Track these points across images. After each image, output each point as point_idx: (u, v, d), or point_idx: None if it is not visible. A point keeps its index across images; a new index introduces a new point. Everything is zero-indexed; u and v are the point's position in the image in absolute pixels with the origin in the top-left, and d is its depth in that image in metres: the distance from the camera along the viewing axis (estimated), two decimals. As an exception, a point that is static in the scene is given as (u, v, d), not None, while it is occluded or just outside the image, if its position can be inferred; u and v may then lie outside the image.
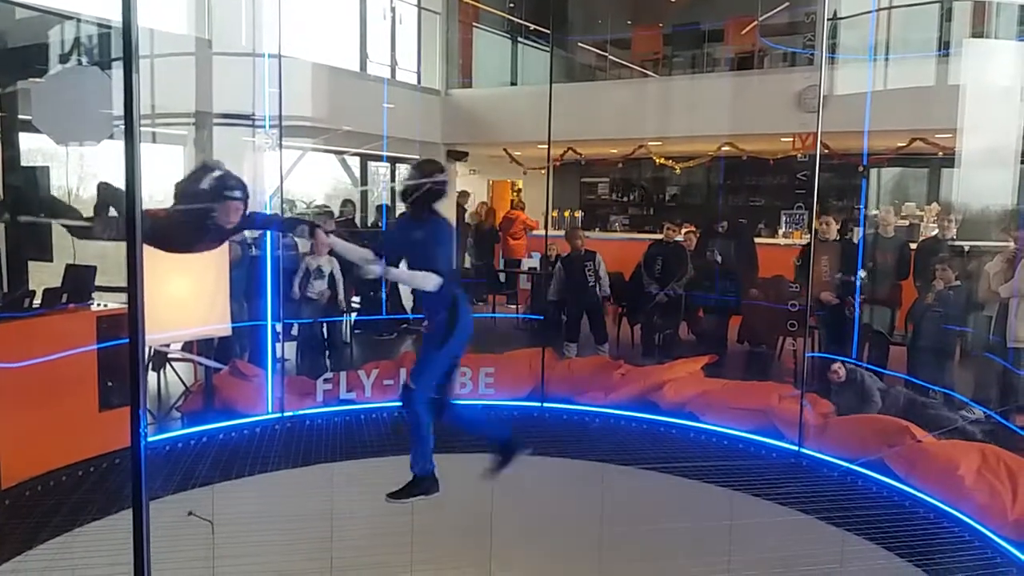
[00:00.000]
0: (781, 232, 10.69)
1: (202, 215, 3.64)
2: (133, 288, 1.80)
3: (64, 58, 5.32)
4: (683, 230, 8.39)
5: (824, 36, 7.47)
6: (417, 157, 11.42)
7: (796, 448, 5.42)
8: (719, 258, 7.65)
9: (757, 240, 9.22)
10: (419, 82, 11.59)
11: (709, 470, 5.09)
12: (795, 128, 8.46)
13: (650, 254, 8.01)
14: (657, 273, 7.86)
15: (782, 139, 9.73)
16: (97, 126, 4.79)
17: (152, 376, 6.42)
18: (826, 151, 6.72)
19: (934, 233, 7.32)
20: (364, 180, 11.58)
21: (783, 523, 4.57)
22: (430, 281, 3.78)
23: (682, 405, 6.16)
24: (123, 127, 1.85)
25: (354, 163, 11.39)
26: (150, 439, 5.31)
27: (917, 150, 9.21)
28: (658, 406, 6.22)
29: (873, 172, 11.35)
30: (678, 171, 11.57)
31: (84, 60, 5.29)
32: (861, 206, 9.50)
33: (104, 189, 3.83)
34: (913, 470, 4.88)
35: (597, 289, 7.82)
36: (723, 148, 10.22)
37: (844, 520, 4.45)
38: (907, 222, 9.62)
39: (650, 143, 10.64)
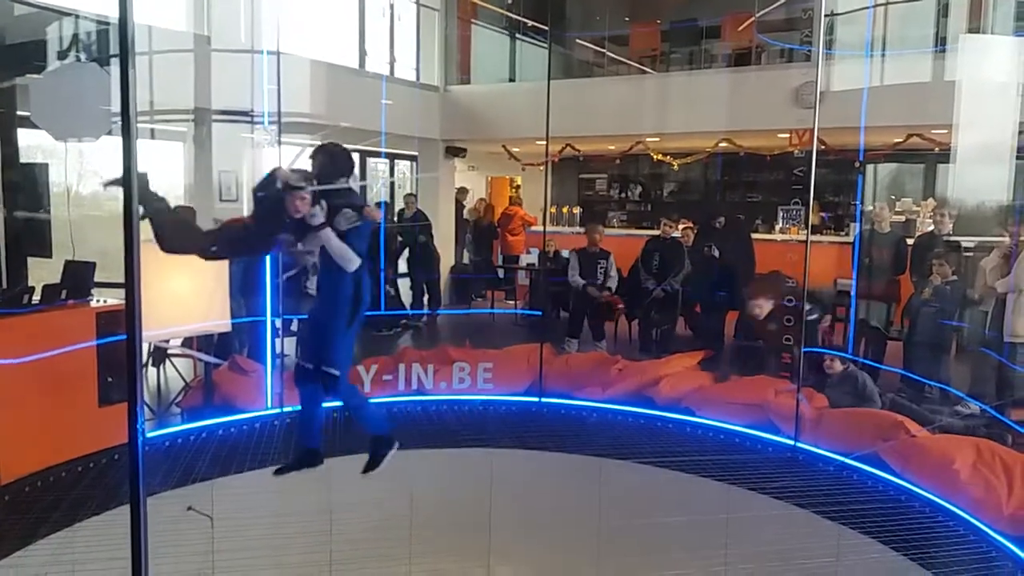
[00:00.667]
0: (778, 228, 10.71)
1: (276, 213, 3.90)
2: (130, 284, 1.82)
3: (63, 54, 5.33)
4: (680, 226, 8.42)
5: (821, 32, 7.50)
6: (415, 153, 11.52)
7: (792, 442, 5.45)
8: (716, 253, 7.67)
9: (754, 236, 9.24)
10: (418, 79, 11.59)
11: (706, 464, 5.13)
12: (792, 124, 8.47)
13: (647, 250, 8.04)
14: (654, 269, 7.89)
15: (779, 135, 9.74)
16: (96, 122, 4.80)
17: (152, 372, 6.44)
18: (823, 147, 6.72)
19: (930, 229, 7.34)
20: (363, 176, 11.59)
21: (779, 517, 4.60)
22: (354, 262, 3.99)
23: (678, 400, 6.18)
24: (120, 123, 1.87)
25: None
26: (150, 435, 5.35)
27: (913, 146, 9.22)
28: (655, 401, 6.25)
29: (869, 168, 11.36)
30: (676, 167, 11.58)
31: (83, 56, 5.31)
32: (857, 202, 9.52)
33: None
34: (908, 464, 4.91)
35: (605, 287, 7.87)
36: (720, 144, 10.22)
37: (840, 514, 4.48)
38: (903, 217, 9.64)
39: (648, 139, 10.66)
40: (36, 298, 4.95)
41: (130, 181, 1.80)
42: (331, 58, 9.60)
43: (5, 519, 4.20)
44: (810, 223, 6.21)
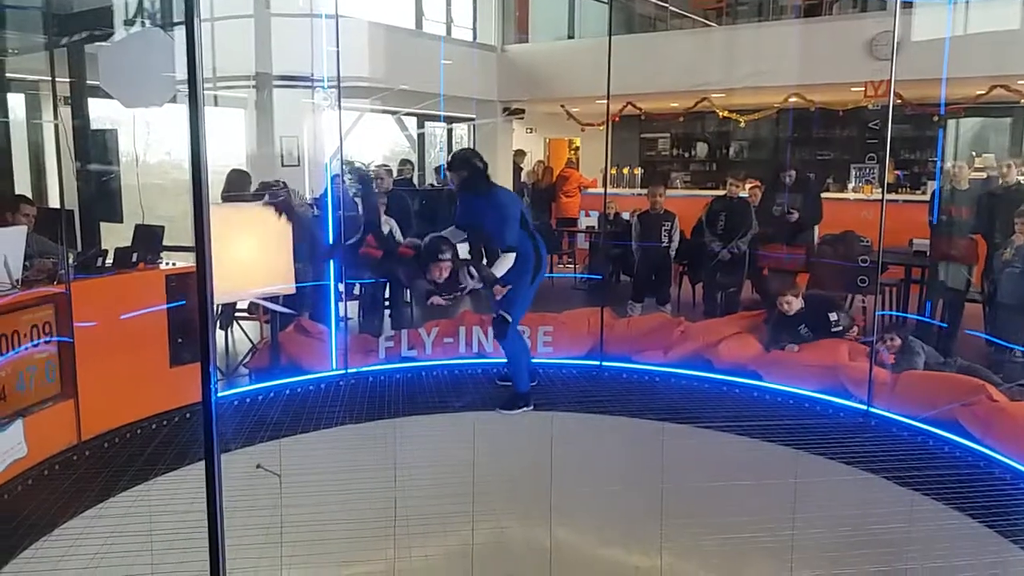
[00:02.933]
0: (851, 187, 10.33)
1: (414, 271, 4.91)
2: (201, 247, 1.82)
3: (129, 21, 5.40)
4: (747, 185, 8.17)
5: (900, -22, 7.09)
6: (473, 116, 11.43)
7: (865, 407, 5.28)
8: (790, 213, 7.40)
9: (825, 195, 8.93)
10: (475, 39, 11.47)
11: (773, 429, 5.01)
12: (866, 77, 8.11)
13: (713, 210, 7.82)
14: (720, 230, 7.67)
15: (852, 89, 9.34)
16: (162, 89, 4.86)
17: (220, 334, 6.60)
18: (899, 101, 6.41)
19: (1011, 183, 6.95)
20: (421, 140, 11.59)
21: (850, 482, 4.47)
22: (510, 263, 4.82)
23: (744, 364, 6.05)
24: (187, 90, 1.85)
25: (411, 123, 11.40)
26: (219, 395, 5.49)
27: (998, 98, 8.74)
28: (717, 364, 6.12)
29: (951, 123, 10.83)
30: (743, 124, 11.25)
31: (147, 23, 5.37)
32: (937, 159, 9.11)
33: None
34: (989, 430, 4.71)
35: (669, 250, 7.71)
36: (790, 99, 9.87)
37: (914, 480, 4.33)
38: (984, 174, 9.18)
39: (713, 96, 10.35)
40: (109, 261, 5.09)
41: (198, 147, 1.78)
42: (388, 20, 9.55)
43: (86, 473, 4.38)
44: (886, 181, 5.92)
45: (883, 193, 5.50)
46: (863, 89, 8.86)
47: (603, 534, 5.29)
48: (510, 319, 5.02)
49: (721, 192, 8.42)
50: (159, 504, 4.02)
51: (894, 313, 6.02)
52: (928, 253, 7.22)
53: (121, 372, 4.81)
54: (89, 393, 4.68)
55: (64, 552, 3.65)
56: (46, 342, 4.54)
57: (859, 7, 10.01)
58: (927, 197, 8.21)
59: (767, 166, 11.33)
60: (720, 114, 10.80)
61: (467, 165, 5.08)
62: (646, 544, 4.95)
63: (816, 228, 8.00)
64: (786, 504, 4.27)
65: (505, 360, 5.57)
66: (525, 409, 5.25)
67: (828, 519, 4.22)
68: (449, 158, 5.22)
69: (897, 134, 5.34)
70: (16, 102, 7.12)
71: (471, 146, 11.89)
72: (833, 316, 6.06)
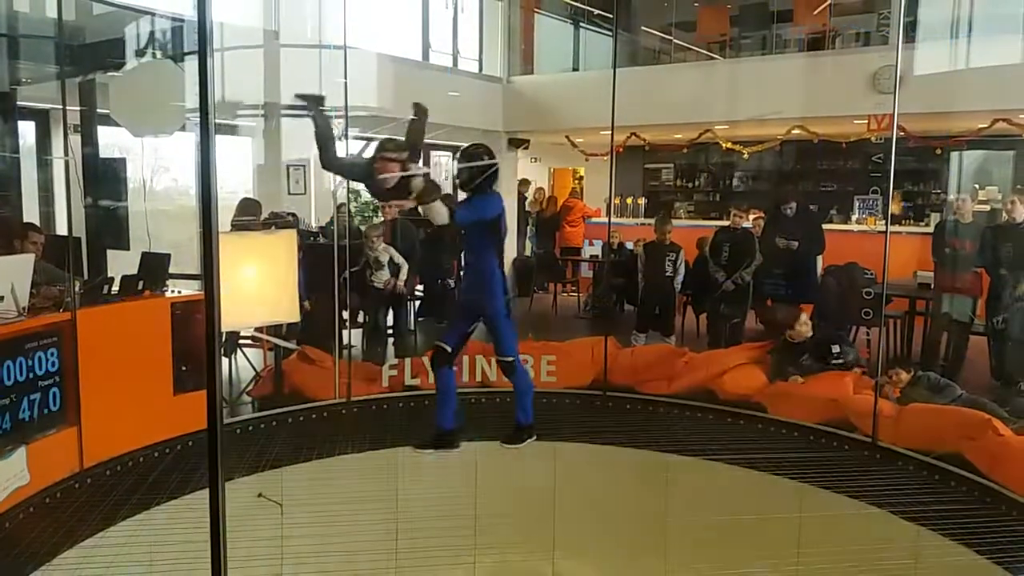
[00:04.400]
0: (854, 218, 10.36)
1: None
2: (209, 275, 1.84)
3: (140, 52, 5.48)
4: (751, 216, 8.20)
5: (901, 14, 7.18)
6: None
7: (870, 440, 5.25)
8: (794, 244, 7.41)
9: (829, 227, 8.96)
10: (480, 70, 11.60)
11: (777, 461, 4.98)
12: (870, 110, 8.17)
13: (717, 241, 7.84)
14: (724, 260, 7.69)
15: (855, 121, 9.41)
16: (171, 118, 4.93)
17: (223, 361, 6.60)
18: (902, 133, 6.45)
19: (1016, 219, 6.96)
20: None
21: (855, 516, 4.44)
22: (443, 215, 4.72)
23: (748, 396, 6.03)
24: (198, 119, 1.88)
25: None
26: (225, 423, 5.47)
27: (1000, 131, 8.79)
28: (721, 396, 6.10)
29: (953, 155, 10.88)
30: (746, 156, 11.31)
31: (158, 53, 5.45)
32: (940, 191, 9.15)
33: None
34: (996, 465, 4.68)
35: (674, 282, 7.72)
36: (793, 131, 9.93)
37: (920, 514, 4.30)
38: (988, 207, 9.21)
39: (717, 127, 10.43)
40: (115, 288, 5.11)
41: (208, 177, 1.81)
42: (395, 51, 9.67)
43: (87, 500, 4.36)
44: (890, 213, 5.95)
45: (887, 225, 5.52)
46: (866, 122, 8.93)
47: (606, 567, 5.24)
48: (511, 359, 5.02)
49: (725, 223, 8.45)
50: (161, 534, 4.00)
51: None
52: (932, 285, 7.22)
53: (124, 400, 4.81)
54: (92, 421, 4.68)
55: (65, 581, 3.63)
56: (51, 370, 4.55)
57: (862, 41, 10.11)
58: (931, 229, 8.23)
59: (770, 197, 11.39)
60: (724, 145, 10.87)
61: (474, 159, 4.87)
62: (649, 577, 4.91)
63: (819, 259, 8.02)
64: (791, 538, 4.24)
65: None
66: (531, 440, 5.25)
67: (833, 553, 4.18)
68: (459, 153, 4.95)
69: (900, 166, 5.37)
70: (26, 129, 7.19)
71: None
72: (836, 348, 6.06)
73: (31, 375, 4.41)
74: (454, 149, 10.97)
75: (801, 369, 6.01)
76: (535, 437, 5.26)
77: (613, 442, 5.39)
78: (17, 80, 5.90)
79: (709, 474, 5.01)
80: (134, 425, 4.91)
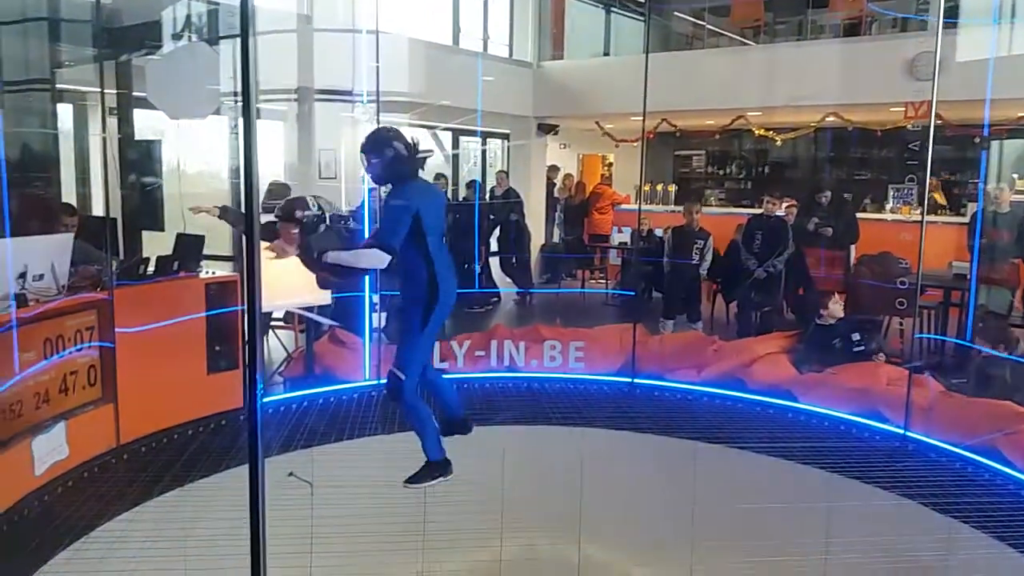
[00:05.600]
0: (888, 207, 10.20)
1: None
2: (251, 258, 1.86)
3: (177, 35, 5.54)
4: (783, 204, 8.10)
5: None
6: (508, 132, 11.49)
7: (902, 431, 5.19)
8: (828, 230, 7.32)
9: (862, 216, 8.83)
10: (511, 55, 11.55)
11: (807, 451, 4.94)
12: (906, 97, 8.01)
13: (749, 228, 7.77)
14: (756, 248, 7.62)
15: (890, 109, 9.24)
16: (206, 101, 4.97)
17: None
18: (939, 121, 6.31)
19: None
20: (455, 155, 11.68)
21: (885, 508, 4.40)
22: (375, 259, 3.60)
23: (778, 385, 5.98)
24: (236, 103, 1.90)
25: (445, 138, 11.48)
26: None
27: (1042, 119, 8.60)
28: (751, 384, 6.06)
29: (993, 144, 10.65)
30: (779, 143, 11.16)
31: (194, 37, 5.49)
32: (980, 180, 8.96)
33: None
34: (1031, 458, 4.61)
35: (700, 268, 7.68)
36: (827, 119, 9.78)
37: (953, 507, 4.25)
38: (1025, 196, 9.02)
39: (750, 114, 10.29)
40: (151, 269, 5.19)
41: (250, 159, 1.83)
42: (426, 36, 9.65)
43: (124, 476, 4.46)
44: (926, 202, 5.84)
45: (923, 214, 5.43)
46: (903, 109, 8.77)
47: (632, 554, 5.26)
48: (403, 376, 3.77)
49: (757, 210, 8.36)
50: (195, 510, 4.08)
51: (934, 336, 5.91)
52: (968, 276, 7.10)
53: (160, 378, 4.89)
54: (129, 398, 4.77)
55: (102, 554, 3.71)
56: (89, 347, 4.64)
57: (899, 27, 9.91)
58: (967, 219, 8.08)
59: (803, 185, 11.24)
60: (756, 132, 10.74)
61: (385, 147, 3.79)
62: (675, 565, 4.91)
63: (853, 248, 7.91)
64: (820, 528, 4.21)
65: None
66: (441, 479, 4.11)
67: (863, 544, 4.15)
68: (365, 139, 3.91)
69: (937, 155, 5.25)
70: (65, 113, 7.29)
71: (504, 162, 11.93)
72: (855, 336, 5.99)
73: (70, 352, 4.50)
74: (486, 134, 11.01)
75: (831, 354, 5.95)
76: (449, 476, 4.11)
77: (641, 429, 5.38)
78: (58, 63, 5.98)
79: (737, 462, 5.00)
80: (169, 403, 5.00)
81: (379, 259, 3.59)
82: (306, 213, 3.83)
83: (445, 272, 3.79)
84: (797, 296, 7.79)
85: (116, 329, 4.70)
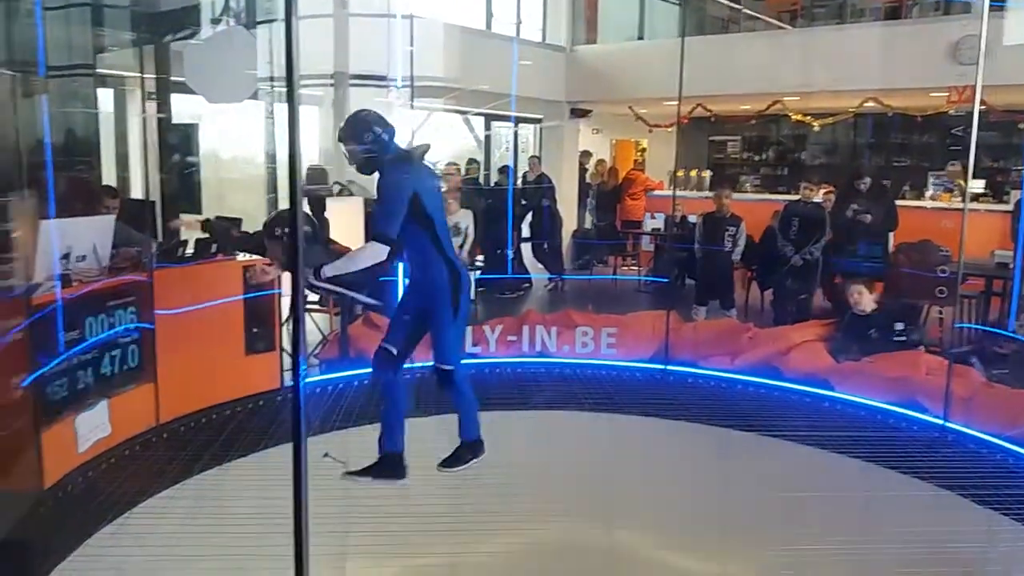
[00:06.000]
0: (928, 194, 10.00)
1: None
2: (294, 240, 1.88)
3: (216, 20, 5.58)
4: (821, 191, 7.98)
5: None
6: (540, 116, 11.45)
7: (941, 421, 5.11)
8: (867, 217, 7.19)
9: (901, 203, 8.67)
10: (544, 39, 11.48)
11: (843, 441, 4.89)
12: (949, 82, 7.84)
13: (786, 215, 7.66)
14: (792, 235, 7.51)
15: (931, 94, 9.04)
16: (244, 86, 5.02)
17: (291, 324, 6.75)
18: (983, 107, 6.16)
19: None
20: (488, 140, 11.66)
21: (924, 499, 4.34)
22: (373, 254, 3.35)
23: (814, 373, 5.92)
24: (272, 88, 1.91)
25: (477, 123, 11.47)
26: (288, 383, 5.62)
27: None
28: (787, 372, 6.00)
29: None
30: (817, 128, 10.98)
31: (232, 21, 5.54)
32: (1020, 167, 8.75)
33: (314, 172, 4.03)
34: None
35: (732, 255, 7.57)
36: (866, 104, 9.60)
37: (993, 499, 4.18)
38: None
39: (786, 99, 10.13)
40: (189, 252, 5.27)
41: (295, 143, 1.85)
42: (457, 20, 9.63)
43: (164, 454, 4.55)
44: (968, 189, 5.72)
45: (965, 201, 5.32)
46: (945, 95, 8.58)
47: (664, 540, 5.23)
48: (450, 368, 3.70)
49: (794, 197, 8.25)
50: (234, 488, 4.15)
51: (976, 327, 5.81)
52: (1011, 265, 6.95)
53: (199, 359, 4.97)
54: (168, 378, 4.86)
55: (144, 529, 3.79)
56: (130, 328, 4.73)
57: (942, 10, 9.69)
58: (1011, 207, 7.90)
59: (841, 171, 11.05)
60: (793, 117, 10.57)
61: (364, 132, 3.52)
62: (708, 553, 4.89)
63: (891, 236, 7.78)
64: (856, 518, 4.17)
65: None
66: (478, 461, 4.10)
67: (900, 535, 4.10)
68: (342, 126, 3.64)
69: (980, 141, 5.13)
70: (105, 97, 7.40)
71: (536, 148, 11.88)
72: (899, 326, 5.89)
73: (113, 332, 4.59)
74: (518, 119, 10.96)
75: (867, 343, 5.87)
76: (481, 456, 4.12)
77: (674, 416, 5.36)
78: (100, 48, 6.06)
79: (772, 451, 4.96)
80: (207, 383, 5.08)
81: (377, 253, 3.34)
82: (287, 230, 3.65)
83: (454, 256, 3.67)
84: (834, 284, 7.68)
85: (155, 311, 4.78)
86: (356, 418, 5.12)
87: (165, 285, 4.86)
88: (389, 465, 3.92)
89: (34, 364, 3.96)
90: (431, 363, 3.84)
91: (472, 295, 8.28)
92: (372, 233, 3.36)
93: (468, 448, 4.05)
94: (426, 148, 3.83)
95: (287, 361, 5.68)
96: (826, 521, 4.15)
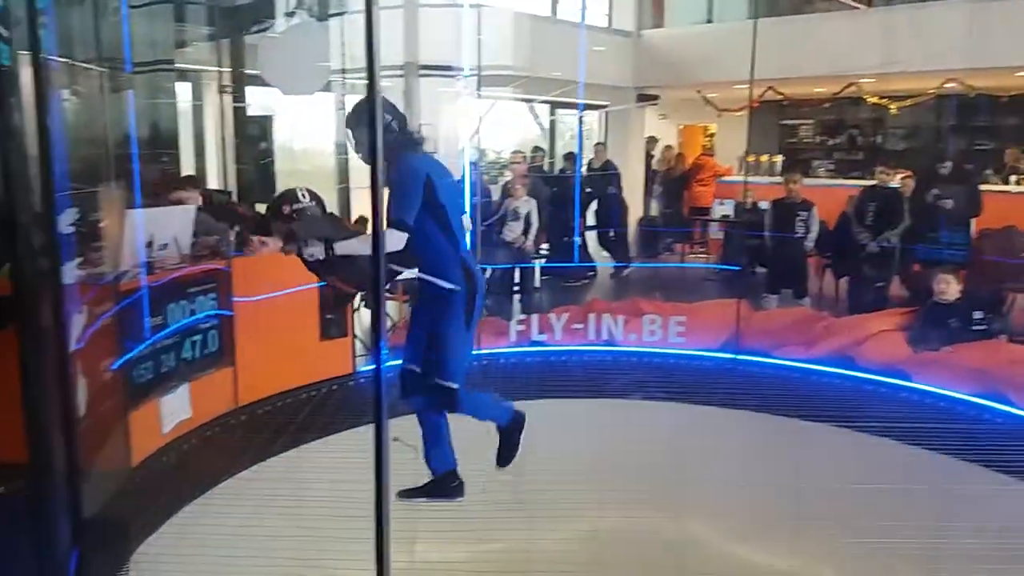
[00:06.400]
0: (1014, 179, 9.55)
1: None
2: (376, 231, 1.93)
3: (290, 14, 5.71)
4: (898, 176, 7.70)
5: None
6: (606, 103, 11.34)
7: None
8: (949, 203, 6.91)
9: (984, 188, 8.30)
10: (610, 24, 11.36)
11: (921, 432, 4.74)
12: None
13: (862, 200, 7.42)
14: (869, 221, 7.28)
15: (1016, 74, 8.62)
16: (316, 78, 5.13)
17: (364, 312, 6.89)
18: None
19: None
20: (552, 128, 11.63)
21: (1006, 493, 4.19)
22: (390, 240, 2.99)
23: (891, 363, 5.74)
24: (344, 80, 1.94)
25: (541, 110, 11.45)
26: (360, 369, 5.75)
27: None
28: (862, 362, 5.84)
29: None
30: (894, 111, 10.59)
31: (305, 15, 5.66)
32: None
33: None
34: None
35: (805, 242, 7.35)
36: (947, 85, 9.21)
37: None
38: None
39: (862, 81, 9.79)
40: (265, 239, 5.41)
41: (375, 134, 1.89)
42: (524, 7, 9.60)
43: (242, 436, 4.71)
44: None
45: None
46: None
47: (732, 530, 5.18)
48: (455, 386, 3.30)
49: (870, 182, 7.98)
50: (310, 470, 4.28)
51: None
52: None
53: (275, 344, 5.12)
54: (246, 362, 5.02)
55: (225, 508, 3.95)
56: (210, 314, 4.90)
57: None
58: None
59: (919, 155, 10.65)
60: (869, 100, 10.22)
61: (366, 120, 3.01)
62: (777, 544, 4.83)
63: (973, 222, 7.47)
64: (933, 511, 4.05)
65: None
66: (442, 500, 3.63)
67: (979, 529, 3.98)
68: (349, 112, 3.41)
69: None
70: (184, 91, 7.66)
71: (601, 134, 11.78)
72: (978, 315, 5.67)
73: (195, 319, 4.77)
74: (588, 106, 10.88)
75: (948, 334, 5.67)
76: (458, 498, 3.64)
77: (744, 406, 5.29)
78: (181, 42, 6.28)
79: (846, 442, 4.85)
80: (283, 368, 5.23)
81: (394, 239, 3.05)
82: (295, 207, 3.52)
83: (470, 256, 3.35)
84: (913, 272, 7.42)
85: (234, 298, 4.95)
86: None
87: (243, 273, 5.01)
88: (443, 484, 3.61)
89: (123, 348, 4.14)
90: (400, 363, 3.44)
91: (537, 283, 8.31)
92: (389, 220, 3.08)
93: (511, 429, 3.63)
94: (428, 126, 3.66)
95: (359, 347, 5.81)
96: (901, 514, 4.04)
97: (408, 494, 3.51)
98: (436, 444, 3.56)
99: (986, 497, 4.15)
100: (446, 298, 3.23)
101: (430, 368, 3.31)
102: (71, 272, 3.25)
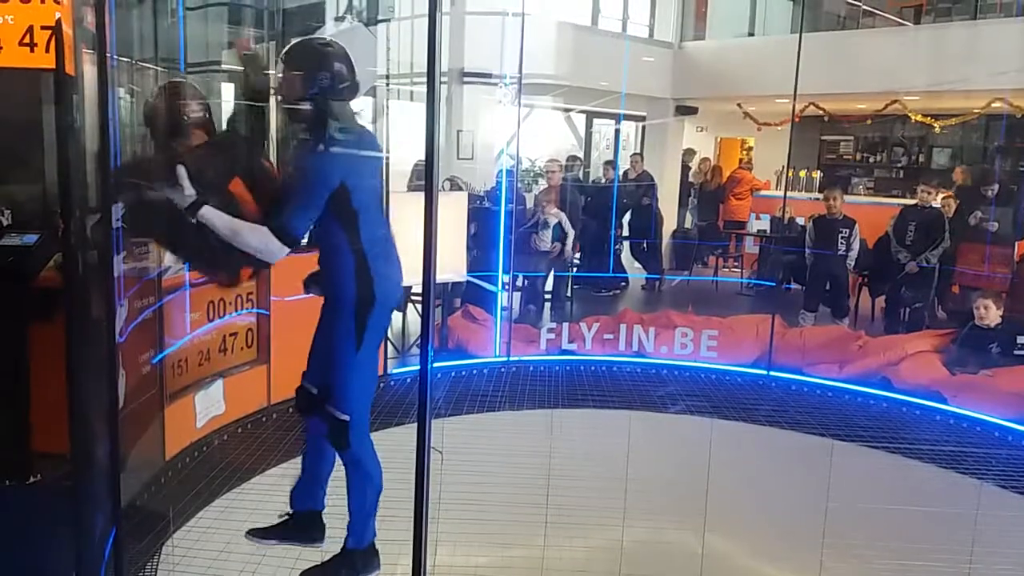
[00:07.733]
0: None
1: None
2: (429, 232, 1.96)
3: (339, 18, 5.79)
4: (940, 195, 7.59)
5: None
6: (644, 114, 11.32)
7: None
8: (993, 225, 6.80)
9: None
10: (651, 35, 11.36)
11: (955, 456, 4.67)
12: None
13: (902, 219, 7.33)
14: (908, 240, 7.18)
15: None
16: (363, 82, 5.19)
17: (396, 315, 6.97)
18: None
19: None
20: (589, 137, 11.63)
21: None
22: (262, 245, 2.52)
23: (924, 385, 5.66)
24: (388, 85, 1.99)
25: (578, 120, 11.47)
26: (392, 371, 5.81)
27: None
28: (897, 383, 5.76)
29: None
30: (938, 130, 10.42)
31: (354, 19, 5.73)
32: None
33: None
34: None
35: (846, 259, 7.25)
36: (993, 104, 9.04)
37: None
38: None
39: (906, 98, 9.66)
40: (304, 241, 5.48)
41: (432, 137, 1.93)
42: (566, 17, 9.64)
43: (275, 433, 4.78)
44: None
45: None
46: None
47: (757, 548, 5.14)
48: (345, 418, 2.74)
49: (911, 201, 7.87)
50: (340, 469, 4.31)
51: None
52: None
53: (309, 342, 5.17)
54: (281, 361, 5.09)
55: (257, 503, 4.00)
56: (247, 312, 4.99)
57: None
58: None
59: (962, 175, 10.45)
60: (913, 118, 10.06)
61: (322, 65, 2.60)
62: (804, 564, 4.77)
63: (1016, 245, 7.33)
64: (965, 536, 3.98)
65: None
66: None
67: (1015, 556, 3.90)
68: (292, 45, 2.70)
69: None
70: (228, 92, 7.80)
71: (637, 145, 11.74)
72: (1022, 339, 5.57)
73: (231, 316, 4.86)
74: (626, 117, 10.88)
75: (988, 359, 5.57)
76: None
77: (775, 423, 5.24)
78: (231, 44, 6.38)
79: (878, 463, 4.79)
80: (316, 368, 5.28)
81: (268, 247, 2.54)
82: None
83: (380, 260, 2.71)
84: (952, 294, 7.30)
85: (271, 297, 5.03)
86: (453, 408, 5.24)
87: (279, 271, 5.08)
88: (303, 524, 3.04)
89: (162, 343, 4.24)
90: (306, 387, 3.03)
91: (568, 292, 8.31)
92: (274, 223, 2.55)
93: (352, 559, 2.88)
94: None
95: (390, 349, 5.87)
96: (932, 537, 3.99)
97: (259, 534, 3.01)
98: (310, 481, 3.02)
99: (1019, 523, 4.07)
100: (333, 307, 2.76)
101: (324, 392, 2.81)
102: (117, 266, 3.33)
